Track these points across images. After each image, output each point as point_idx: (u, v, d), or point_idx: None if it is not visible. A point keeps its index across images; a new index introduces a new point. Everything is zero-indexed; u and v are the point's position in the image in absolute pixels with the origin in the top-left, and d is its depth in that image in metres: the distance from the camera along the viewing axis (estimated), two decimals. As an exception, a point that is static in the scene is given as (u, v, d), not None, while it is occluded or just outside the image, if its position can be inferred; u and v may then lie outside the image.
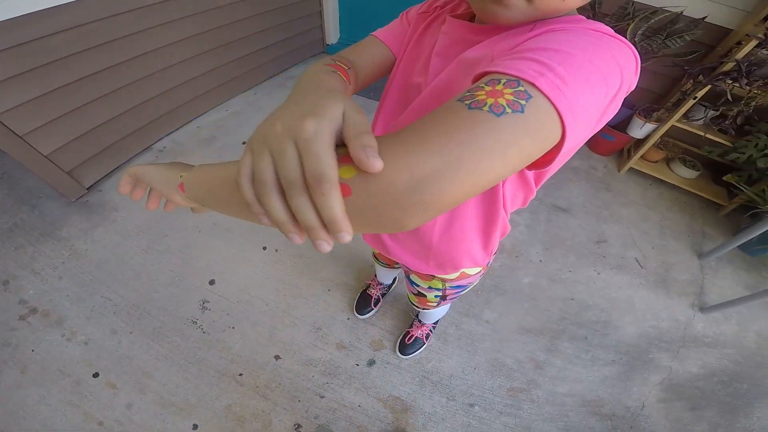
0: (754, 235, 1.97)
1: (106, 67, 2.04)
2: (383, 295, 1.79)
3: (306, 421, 1.47)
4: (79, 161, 2.09)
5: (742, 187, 2.27)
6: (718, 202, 2.49)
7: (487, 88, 0.32)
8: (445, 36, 0.58)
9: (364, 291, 1.80)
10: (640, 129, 2.49)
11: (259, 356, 1.61)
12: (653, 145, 2.49)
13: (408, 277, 1.05)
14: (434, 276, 0.92)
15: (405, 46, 0.68)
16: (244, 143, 2.60)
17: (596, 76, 0.35)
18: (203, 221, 2.06)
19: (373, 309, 1.76)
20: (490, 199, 0.65)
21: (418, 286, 1.03)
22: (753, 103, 2.08)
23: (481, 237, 0.74)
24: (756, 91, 2.03)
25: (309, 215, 0.28)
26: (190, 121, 2.79)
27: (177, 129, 2.71)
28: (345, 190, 0.29)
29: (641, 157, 2.60)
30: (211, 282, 1.82)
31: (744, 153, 2.21)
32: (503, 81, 0.33)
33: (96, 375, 1.53)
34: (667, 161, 2.66)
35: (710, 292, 2.04)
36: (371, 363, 1.64)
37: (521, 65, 0.34)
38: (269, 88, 3.26)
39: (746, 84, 2.00)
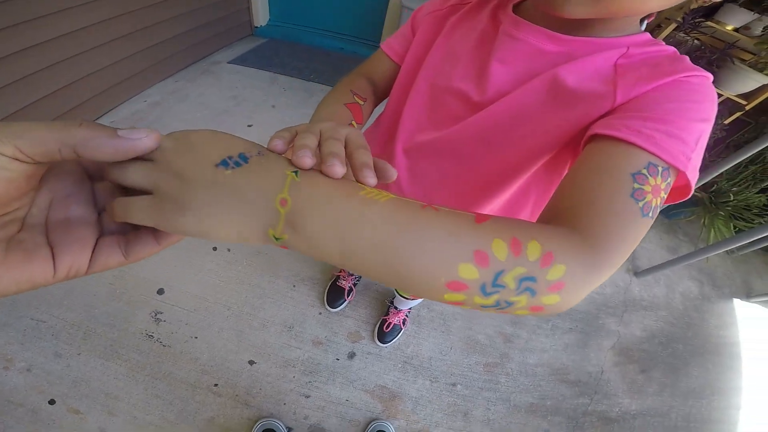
0: None
1: (8, 53, 1.72)
2: (354, 284, 1.76)
3: (296, 423, 1.41)
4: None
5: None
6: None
7: (652, 183, 0.35)
8: (510, 40, 0.52)
9: (334, 283, 1.74)
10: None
11: (231, 364, 1.49)
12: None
13: None
14: None
15: (425, 47, 0.63)
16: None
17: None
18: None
19: (345, 300, 1.72)
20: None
21: None
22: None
23: None
24: None
25: (337, 148, 0.29)
26: (102, 115, 2.43)
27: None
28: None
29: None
30: (160, 291, 1.64)
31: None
32: (660, 170, 0.35)
33: (52, 402, 1.32)
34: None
35: (640, 256, 2.29)
36: (351, 355, 1.61)
37: (672, 146, 0.36)
38: (192, 74, 2.95)
39: None
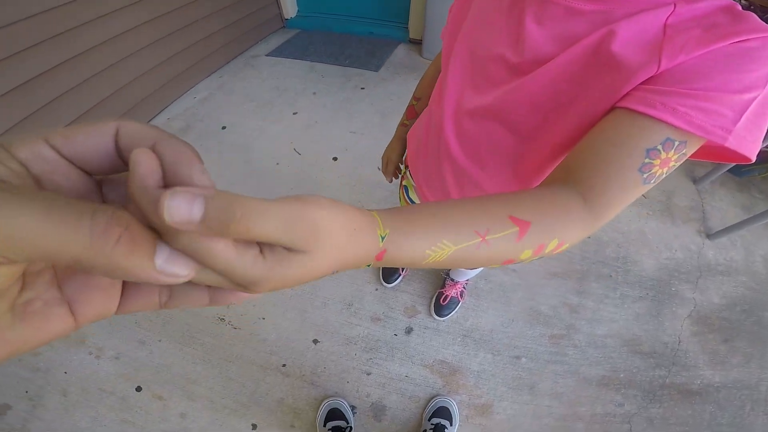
0: None
1: (56, 64, 1.83)
2: (408, 259, 1.74)
3: (359, 401, 1.43)
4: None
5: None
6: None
7: (663, 156, 0.39)
8: (544, 3, 0.48)
9: (387, 259, 1.74)
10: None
11: (297, 343, 1.54)
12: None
13: None
14: None
15: (462, 15, 0.62)
16: (223, 128, 2.44)
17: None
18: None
19: (400, 275, 1.72)
20: None
21: None
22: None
23: None
24: None
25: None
26: (158, 113, 2.58)
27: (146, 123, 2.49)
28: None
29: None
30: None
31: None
32: (676, 144, 0.38)
33: (139, 389, 1.43)
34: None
35: (712, 216, 2.12)
36: (409, 331, 1.61)
37: (708, 121, 0.37)
38: (234, 69, 3.06)
39: None
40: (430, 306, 1.66)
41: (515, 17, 0.51)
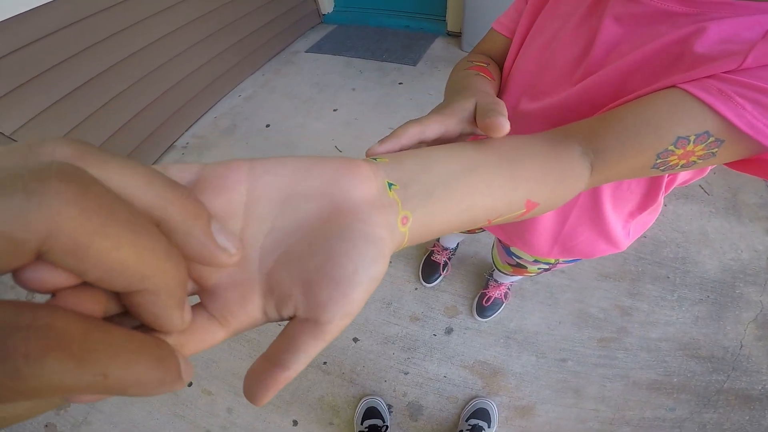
0: None
1: (106, 68, 1.90)
2: (449, 258, 1.71)
3: (396, 401, 1.42)
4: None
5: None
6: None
7: (689, 148, 0.35)
8: (631, 3, 0.44)
9: (428, 258, 1.71)
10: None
11: (337, 341, 1.55)
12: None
13: (507, 248, 0.93)
14: None
15: (535, 13, 0.57)
16: (268, 126, 2.49)
17: None
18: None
19: (441, 275, 1.68)
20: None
21: (519, 258, 0.92)
22: None
23: (624, 219, 0.66)
24: None
25: None
26: (205, 112, 2.67)
27: (194, 123, 2.60)
28: None
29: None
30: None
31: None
32: (710, 139, 0.34)
33: (190, 384, 1.49)
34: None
35: (782, 212, 1.93)
36: (449, 331, 1.57)
37: (761, 120, 0.32)
38: (276, 66, 3.11)
39: None
40: (471, 306, 1.62)
41: (595, 15, 0.47)
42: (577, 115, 0.48)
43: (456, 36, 3.18)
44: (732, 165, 0.40)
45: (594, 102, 0.47)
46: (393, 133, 0.34)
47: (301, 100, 2.71)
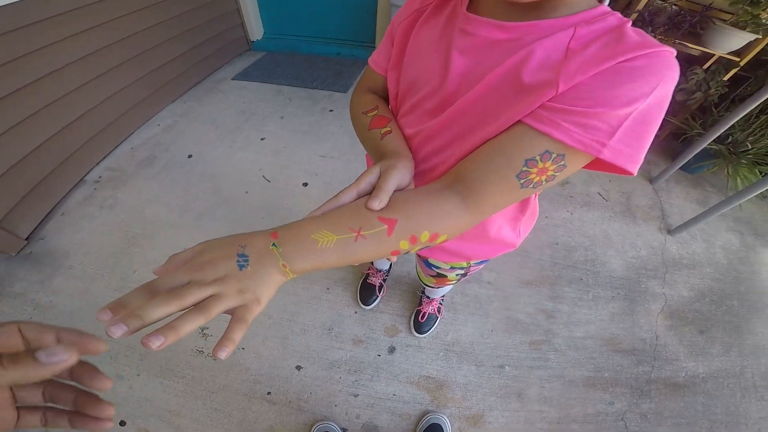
0: (690, 156, 2.23)
1: (12, 90, 1.74)
2: (384, 280, 1.76)
3: (349, 423, 1.42)
4: (5, 210, 1.78)
5: (669, 119, 2.51)
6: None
7: (540, 166, 0.45)
8: (465, 35, 0.53)
9: (364, 281, 1.76)
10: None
11: (280, 370, 1.52)
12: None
13: (425, 261, 1.02)
14: None
15: (401, 53, 0.65)
16: (190, 157, 2.40)
17: (653, 128, 0.43)
18: (172, 250, 1.89)
19: (378, 297, 1.73)
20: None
21: (438, 268, 1.00)
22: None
23: (510, 223, 0.77)
24: (660, 37, 2.20)
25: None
26: (121, 143, 2.51)
27: (108, 154, 2.43)
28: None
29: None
30: (202, 308, 1.68)
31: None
32: (554, 156, 0.44)
33: (123, 423, 1.37)
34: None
35: (671, 213, 2.24)
36: (392, 350, 1.61)
37: (587, 135, 0.42)
38: (199, 94, 3.03)
39: (651, 32, 2.17)
40: (409, 324, 1.67)
41: (444, 49, 0.56)
42: (442, 143, 0.58)
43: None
44: (587, 167, 0.49)
45: (454, 130, 0.56)
46: (331, 200, 0.47)
47: (226, 128, 2.65)
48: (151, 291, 0.34)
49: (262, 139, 2.58)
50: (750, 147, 2.19)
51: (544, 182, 0.47)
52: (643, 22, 2.17)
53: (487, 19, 0.51)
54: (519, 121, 0.47)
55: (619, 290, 1.86)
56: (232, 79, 3.21)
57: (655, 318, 1.78)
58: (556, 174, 0.46)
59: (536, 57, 0.46)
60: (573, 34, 0.45)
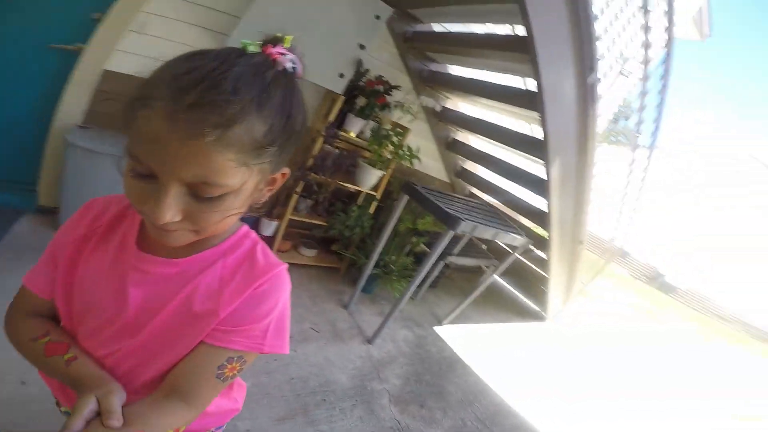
0: (363, 281, 2.92)
1: None
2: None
3: None
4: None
5: (343, 253, 3.25)
6: (336, 266, 3.41)
7: (230, 367, 0.60)
8: (137, 272, 0.59)
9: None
10: (268, 228, 2.97)
11: None
12: (281, 237, 3.03)
13: None
14: None
15: (70, 275, 0.62)
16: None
17: (287, 322, 0.65)
18: None
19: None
20: None
21: None
22: (330, 189, 3.02)
23: (224, 398, 0.79)
24: (329, 179, 2.83)
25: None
26: None
27: None
28: None
29: (276, 250, 3.12)
30: None
31: (335, 228, 3.07)
32: (236, 359, 0.60)
33: None
34: (295, 247, 3.30)
35: (365, 327, 2.79)
36: None
37: (251, 342, 0.60)
38: None
39: (322, 174, 2.76)
40: None
41: (119, 280, 0.59)
42: (142, 359, 0.62)
43: (51, 212, 2.39)
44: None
45: (150, 348, 0.61)
46: None
47: None
48: None
49: None
50: (394, 265, 3.10)
51: (237, 373, 0.62)
52: (317, 166, 2.60)
53: (156, 257, 0.59)
54: (203, 342, 0.59)
55: (355, 398, 2.11)
56: None
57: (389, 408, 2.12)
58: (243, 367, 0.62)
59: (201, 290, 0.59)
60: (223, 264, 0.60)
